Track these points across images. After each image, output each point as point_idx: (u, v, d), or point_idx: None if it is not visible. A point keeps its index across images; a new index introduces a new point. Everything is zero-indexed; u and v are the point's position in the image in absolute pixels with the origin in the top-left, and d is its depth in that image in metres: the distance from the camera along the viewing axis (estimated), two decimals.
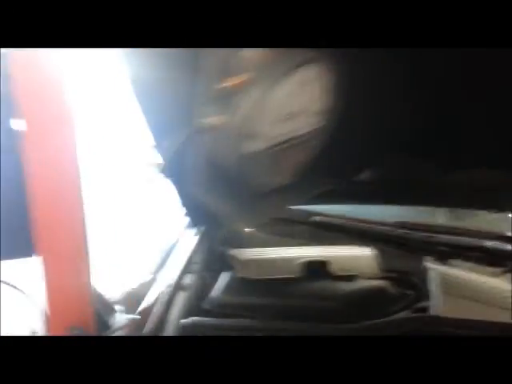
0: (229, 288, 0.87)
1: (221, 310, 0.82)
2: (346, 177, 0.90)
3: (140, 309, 1.06)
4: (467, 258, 0.91)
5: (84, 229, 1.49)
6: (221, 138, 0.43)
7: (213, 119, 0.42)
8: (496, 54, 0.59)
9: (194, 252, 1.00)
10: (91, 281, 1.48)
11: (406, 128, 0.77)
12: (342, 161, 0.79)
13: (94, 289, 1.65)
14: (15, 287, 1.38)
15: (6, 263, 1.40)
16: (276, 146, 0.45)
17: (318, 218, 1.06)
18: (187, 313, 0.84)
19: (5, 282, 1.40)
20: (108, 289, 1.66)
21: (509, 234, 0.98)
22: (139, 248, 2.92)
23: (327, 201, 1.03)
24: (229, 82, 0.43)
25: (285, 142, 0.45)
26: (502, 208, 1.02)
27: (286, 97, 0.44)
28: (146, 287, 1.22)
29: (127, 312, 1.39)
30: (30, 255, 1.36)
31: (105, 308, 1.70)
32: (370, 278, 0.89)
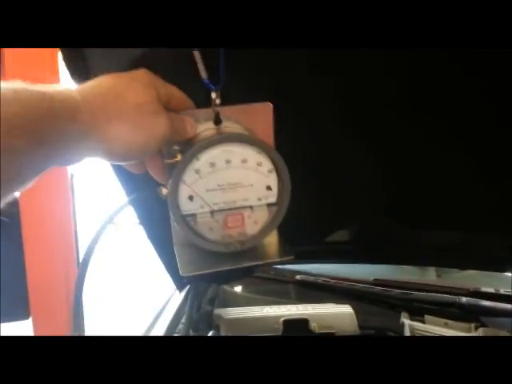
0: None
1: None
2: (320, 238, 0.96)
3: None
4: (442, 314, 0.95)
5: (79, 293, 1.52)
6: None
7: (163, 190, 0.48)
8: None
9: (180, 311, 1.03)
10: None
11: (378, 189, 0.83)
12: (314, 223, 0.85)
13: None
14: None
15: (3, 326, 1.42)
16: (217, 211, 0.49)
17: (300, 277, 1.11)
18: None
19: None
20: None
21: (482, 289, 1.03)
22: (133, 306, 2.91)
23: (305, 261, 1.08)
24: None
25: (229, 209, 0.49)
26: (475, 266, 1.07)
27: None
28: None
29: None
30: (26, 318, 1.39)
31: None
32: (348, 335, 0.92)
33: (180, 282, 1.11)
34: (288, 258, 0.53)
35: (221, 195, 0.48)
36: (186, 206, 0.47)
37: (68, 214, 1.38)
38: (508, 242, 0.92)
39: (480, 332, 0.88)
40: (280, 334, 0.90)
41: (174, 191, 0.46)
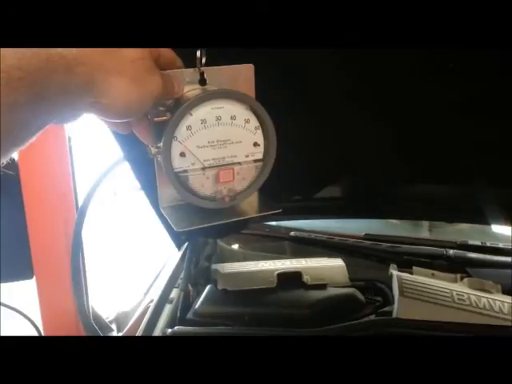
0: (210, 299, 0.94)
1: (202, 319, 0.89)
2: (309, 193, 0.99)
3: (129, 325, 1.13)
4: (430, 266, 0.99)
5: (80, 250, 1.56)
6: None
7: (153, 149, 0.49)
8: None
9: (179, 268, 1.07)
10: (88, 301, 1.55)
11: (367, 143, 0.85)
12: (303, 178, 0.88)
13: (92, 308, 1.71)
14: (13, 308, 1.45)
15: (5, 285, 1.47)
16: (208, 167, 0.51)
17: (294, 233, 1.15)
18: (172, 323, 0.91)
19: (3, 304, 1.47)
20: (103, 309, 1.73)
21: (469, 242, 1.07)
22: (134, 268, 2.97)
23: (297, 217, 1.11)
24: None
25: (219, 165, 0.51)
26: (462, 219, 1.10)
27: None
28: (137, 307, 1.29)
29: (119, 331, 1.46)
30: (29, 278, 1.43)
31: (101, 327, 1.76)
32: (340, 287, 0.96)
33: (178, 240, 1.15)
34: (273, 211, 0.55)
35: (211, 152, 0.49)
36: (178, 163, 0.49)
37: (67, 176, 1.40)
38: (495, 195, 0.95)
39: (465, 282, 0.92)
40: (274, 286, 0.94)
41: (167, 148, 0.47)
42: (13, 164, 1.36)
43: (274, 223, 1.22)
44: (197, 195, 0.51)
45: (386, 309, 0.90)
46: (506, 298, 0.85)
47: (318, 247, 1.10)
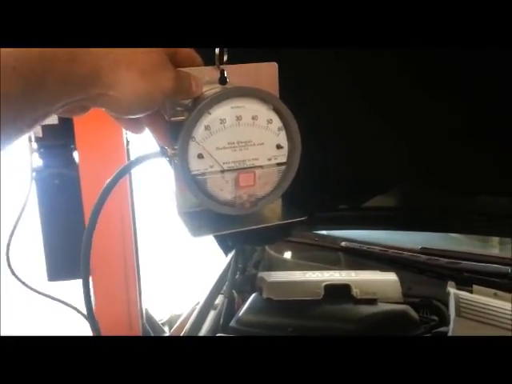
0: (254, 308, 0.92)
1: (245, 328, 0.87)
2: (358, 203, 0.94)
3: (173, 328, 1.13)
4: (492, 285, 0.91)
5: (135, 253, 1.60)
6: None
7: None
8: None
9: (225, 274, 1.06)
10: (141, 302, 1.58)
11: (418, 156, 0.80)
12: (350, 187, 0.83)
13: (146, 310, 1.75)
14: (71, 306, 1.50)
15: (62, 284, 1.53)
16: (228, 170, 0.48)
17: (345, 244, 1.10)
18: (215, 331, 0.90)
19: (61, 301, 1.53)
20: (157, 311, 1.76)
21: None
22: (189, 272, 3.01)
23: (348, 226, 1.07)
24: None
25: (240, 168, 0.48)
26: None
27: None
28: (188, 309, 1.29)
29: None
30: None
31: (154, 328, 1.79)
32: (392, 303, 0.91)
33: (226, 247, 1.14)
34: (297, 218, 0.52)
35: (231, 154, 0.46)
36: (196, 166, 0.45)
37: (124, 179, 1.44)
38: None
39: None
40: (321, 298, 0.90)
41: (184, 149, 0.44)
42: (73, 165, 1.42)
43: (324, 232, 1.18)
44: (215, 200, 0.48)
45: (441, 329, 0.84)
46: None
47: (370, 259, 1.05)
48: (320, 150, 0.49)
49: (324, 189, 0.53)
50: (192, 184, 0.46)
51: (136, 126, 0.47)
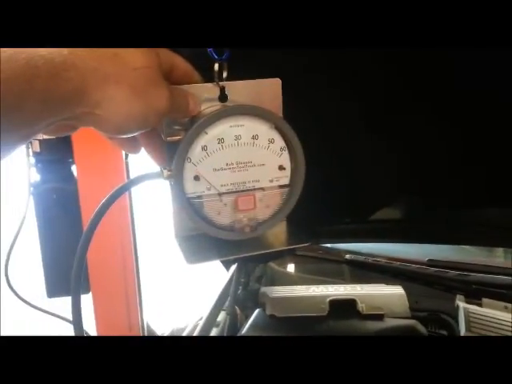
0: (257, 325, 0.89)
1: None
2: (361, 216, 0.92)
3: None
4: (503, 298, 0.89)
5: (135, 267, 1.58)
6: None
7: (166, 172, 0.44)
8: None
9: (227, 290, 1.03)
10: (142, 317, 1.56)
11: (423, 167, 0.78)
12: (354, 200, 0.81)
13: (147, 324, 1.73)
14: (70, 321, 1.48)
15: (62, 300, 1.50)
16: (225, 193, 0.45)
17: (349, 257, 1.07)
18: None
19: (60, 317, 1.50)
20: (159, 325, 1.74)
21: None
22: (191, 285, 2.99)
23: (352, 239, 1.04)
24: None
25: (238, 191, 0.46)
26: None
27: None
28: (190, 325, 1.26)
29: None
30: (85, 292, 1.47)
31: None
32: (399, 317, 0.88)
33: (227, 261, 1.11)
34: (301, 244, 0.49)
35: (229, 175, 0.44)
36: (192, 188, 0.43)
37: (124, 196, 1.42)
38: None
39: None
40: (326, 313, 0.88)
41: (179, 171, 0.42)
42: (71, 179, 1.40)
43: (329, 245, 1.16)
44: (213, 224, 0.45)
45: None
46: None
47: (376, 272, 1.02)
48: (321, 164, 0.46)
49: (326, 203, 0.51)
50: (188, 207, 0.44)
51: (131, 145, 0.45)
